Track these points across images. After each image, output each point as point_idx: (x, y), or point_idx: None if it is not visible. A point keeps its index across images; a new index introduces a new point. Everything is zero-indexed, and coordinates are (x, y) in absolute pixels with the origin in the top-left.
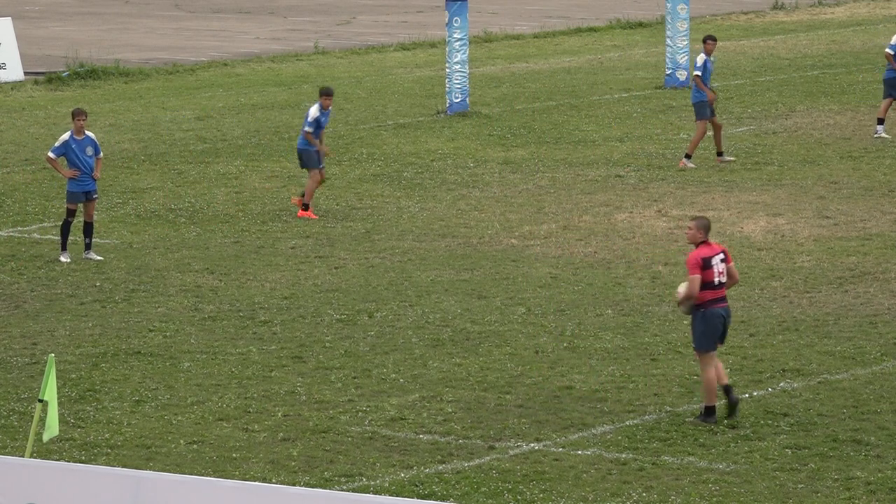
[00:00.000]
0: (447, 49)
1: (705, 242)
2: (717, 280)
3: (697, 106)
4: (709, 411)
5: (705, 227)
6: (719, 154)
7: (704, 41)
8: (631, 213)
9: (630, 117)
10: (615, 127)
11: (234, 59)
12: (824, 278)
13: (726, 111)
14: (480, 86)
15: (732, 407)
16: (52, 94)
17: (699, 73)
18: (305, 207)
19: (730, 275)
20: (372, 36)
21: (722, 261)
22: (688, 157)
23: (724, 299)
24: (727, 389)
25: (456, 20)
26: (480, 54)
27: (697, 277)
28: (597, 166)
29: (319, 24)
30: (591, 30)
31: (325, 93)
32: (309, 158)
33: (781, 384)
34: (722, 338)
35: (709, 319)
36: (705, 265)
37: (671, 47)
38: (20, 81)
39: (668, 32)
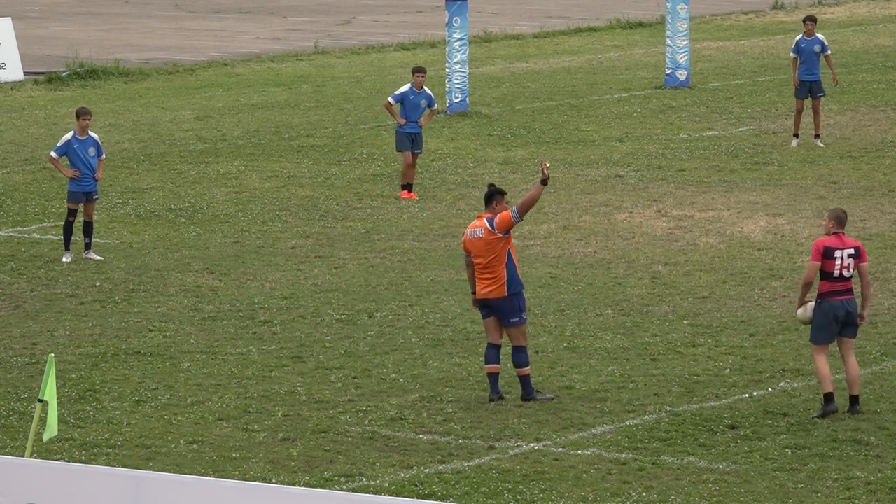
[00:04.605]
0: (447, 49)
1: (836, 234)
2: (836, 272)
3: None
4: (826, 399)
5: (835, 216)
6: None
7: (804, 22)
8: (631, 212)
9: (630, 117)
10: (615, 127)
11: (233, 59)
12: None
13: (726, 111)
14: (480, 86)
15: (824, 414)
16: (51, 94)
17: (792, 54)
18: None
19: (860, 274)
20: (372, 36)
21: (850, 256)
22: (815, 136)
23: (845, 292)
24: (827, 397)
25: (456, 20)
26: (480, 54)
27: (812, 264)
28: (597, 166)
29: (319, 24)
30: (591, 30)
31: (414, 70)
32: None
33: (781, 384)
34: (846, 331)
35: (825, 312)
36: (826, 254)
37: (671, 47)
38: (20, 81)
39: (668, 32)
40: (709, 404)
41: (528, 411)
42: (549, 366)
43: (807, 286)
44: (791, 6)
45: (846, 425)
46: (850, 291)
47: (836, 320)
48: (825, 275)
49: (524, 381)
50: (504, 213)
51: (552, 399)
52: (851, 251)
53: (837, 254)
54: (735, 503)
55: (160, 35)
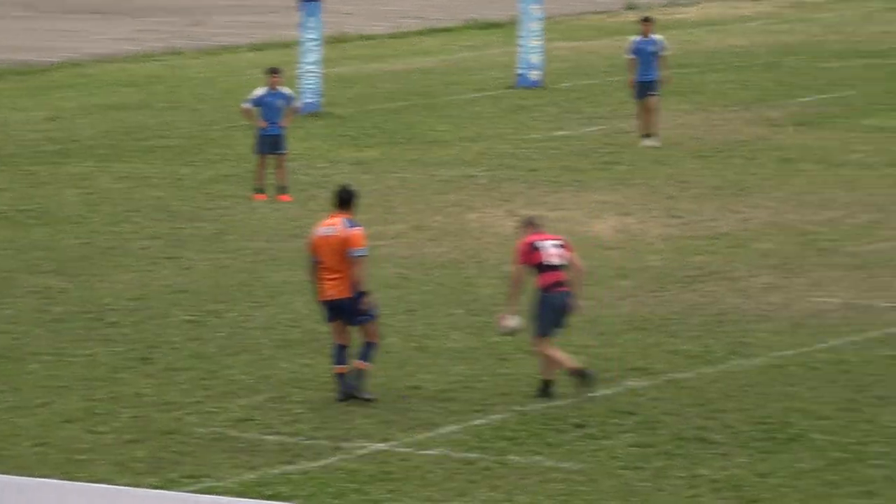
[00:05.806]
0: (301, 49)
1: (536, 234)
2: (549, 260)
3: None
4: (576, 373)
5: (528, 223)
6: (646, 135)
7: (640, 22)
8: (482, 213)
9: (482, 117)
10: (468, 127)
11: (85, 60)
12: (673, 277)
13: (577, 111)
14: (334, 86)
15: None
16: None
17: (629, 55)
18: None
19: (572, 265)
20: (225, 36)
21: (556, 246)
22: (645, 136)
23: (563, 283)
24: (576, 372)
25: (310, 20)
26: (334, 55)
27: (518, 267)
28: (449, 166)
29: (172, 25)
30: (446, 30)
31: (267, 71)
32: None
33: (628, 383)
34: (560, 323)
35: (548, 304)
36: (532, 249)
37: (524, 47)
38: None
39: (521, 32)
40: (556, 403)
41: (375, 411)
42: (396, 366)
43: (516, 287)
44: (644, 6)
45: (692, 424)
46: (565, 283)
47: (558, 311)
48: (540, 268)
49: (358, 374)
50: (360, 234)
51: (371, 399)
52: (555, 241)
53: (541, 244)
54: (580, 502)
55: (11, 35)
